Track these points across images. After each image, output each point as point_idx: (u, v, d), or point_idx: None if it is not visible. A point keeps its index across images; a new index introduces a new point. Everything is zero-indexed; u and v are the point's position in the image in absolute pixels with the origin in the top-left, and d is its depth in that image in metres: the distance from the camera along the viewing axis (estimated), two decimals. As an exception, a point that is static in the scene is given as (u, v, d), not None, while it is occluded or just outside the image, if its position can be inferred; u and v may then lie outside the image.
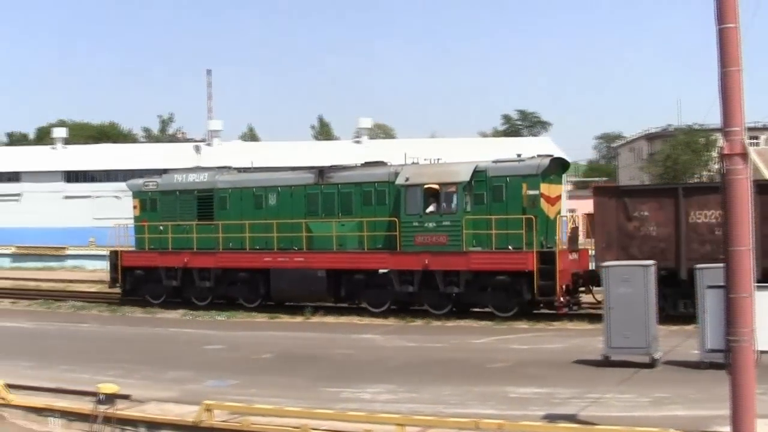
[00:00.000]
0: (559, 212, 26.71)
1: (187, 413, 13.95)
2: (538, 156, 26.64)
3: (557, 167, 27.43)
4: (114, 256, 32.42)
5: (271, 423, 13.13)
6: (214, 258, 29.90)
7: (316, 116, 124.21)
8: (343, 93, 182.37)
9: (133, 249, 32.34)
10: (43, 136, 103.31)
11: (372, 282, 27.58)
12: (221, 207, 30.34)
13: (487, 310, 25.94)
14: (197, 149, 72.85)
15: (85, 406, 14.63)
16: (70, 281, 42.06)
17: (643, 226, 23.91)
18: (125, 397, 14.92)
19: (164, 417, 14.10)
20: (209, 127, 79.95)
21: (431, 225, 26.07)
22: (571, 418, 12.77)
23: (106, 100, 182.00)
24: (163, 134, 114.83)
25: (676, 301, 23.21)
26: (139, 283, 31.86)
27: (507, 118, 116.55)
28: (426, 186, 26.07)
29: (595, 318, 22.19)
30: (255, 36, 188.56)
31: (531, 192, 25.04)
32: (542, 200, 25.27)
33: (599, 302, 22.66)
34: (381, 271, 27.51)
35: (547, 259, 24.51)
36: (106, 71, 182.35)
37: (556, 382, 15.86)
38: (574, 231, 26.31)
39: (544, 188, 25.43)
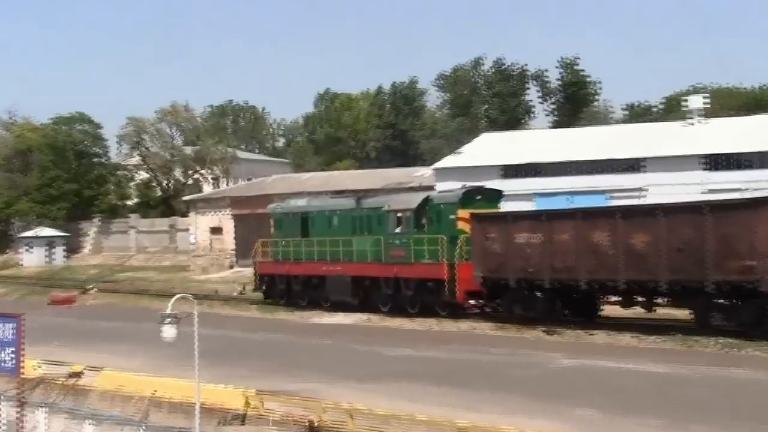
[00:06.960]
0: None
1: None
2: (461, 188, 32.86)
3: (489, 194, 32.96)
4: (255, 266, 40.54)
5: None
6: (300, 267, 37.30)
7: None
8: None
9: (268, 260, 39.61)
10: (673, 109, 73.70)
11: (374, 285, 33.94)
12: (312, 225, 37.48)
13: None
14: None
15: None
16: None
17: (492, 245, 29.76)
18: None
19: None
20: None
21: (397, 242, 32.91)
22: None
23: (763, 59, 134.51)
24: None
25: (512, 304, 29.25)
26: (268, 286, 39.53)
27: None
28: (396, 211, 33.14)
29: None
30: None
31: (451, 216, 31.35)
32: (462, 222, 30.80)
33: None
34: None
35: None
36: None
37: None
38: None
39: (466, 213, 30.74)
